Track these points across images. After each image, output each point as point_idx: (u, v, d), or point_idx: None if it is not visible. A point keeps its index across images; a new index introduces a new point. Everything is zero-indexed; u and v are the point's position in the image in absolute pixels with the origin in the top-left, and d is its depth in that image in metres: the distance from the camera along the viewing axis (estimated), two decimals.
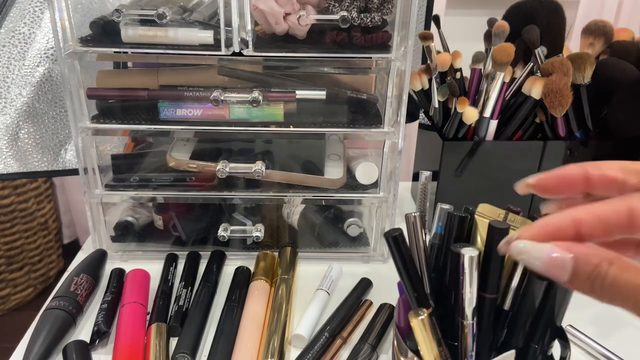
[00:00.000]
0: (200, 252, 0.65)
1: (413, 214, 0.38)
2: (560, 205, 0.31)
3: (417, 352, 0.37)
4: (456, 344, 0.38)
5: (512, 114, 0.67)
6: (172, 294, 0.58)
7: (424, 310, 0.36)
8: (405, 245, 0.36)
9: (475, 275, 0.35)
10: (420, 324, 0.36)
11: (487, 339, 0.38)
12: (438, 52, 0.69)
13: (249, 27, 0.54)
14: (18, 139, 0.68)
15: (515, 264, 0.37)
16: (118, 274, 0.60)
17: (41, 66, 0.66)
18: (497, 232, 0.35)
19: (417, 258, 0.39)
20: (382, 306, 0.56)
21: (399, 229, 0.36)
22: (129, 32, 0.55)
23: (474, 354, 0.37)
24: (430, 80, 0.70)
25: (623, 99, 0.65)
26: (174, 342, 0.52)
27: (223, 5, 0.53)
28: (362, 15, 0.55)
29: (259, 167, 0.61)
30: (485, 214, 0.39)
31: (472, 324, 0.36)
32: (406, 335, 0.40)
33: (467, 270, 0.34)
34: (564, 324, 0.39)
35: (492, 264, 0.36)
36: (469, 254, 0.34)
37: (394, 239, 0.35)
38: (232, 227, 0.64)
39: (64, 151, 0.71)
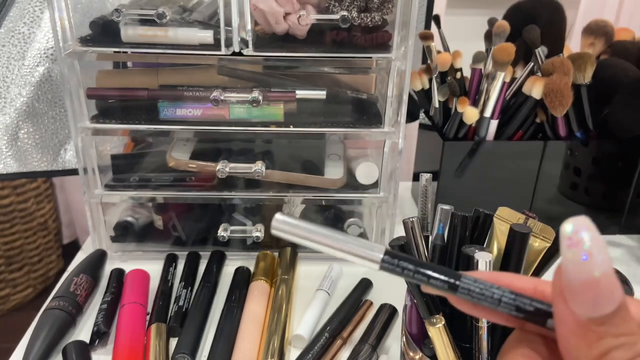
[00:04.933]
0: (200, 252, 0.65)
1: (410, 219, 0.38)
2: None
3: (433, 358, 0.37)
4: (465, 345, 0.38)
5: (513, 113, 0.67)
6: (171, 294, 0.58)
7: (439, 317, 0.36)
8: (412, 254, 0.36)
9: None
10: (438, 333, 0.36)
11: (502, 341, 0.38)
12: (438, 52, 0.69)
13: (249, 26, 0.54)
14: (18, 139, 0.67)
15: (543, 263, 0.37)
16: (118, 274, 0.60)
17: (41, 66, 0.66)
18: (518, 236, 0.35)
19: None
20: (383, 306, 0.55)
21: (404, 237, 0.35)
22: (128, 32, 0.55)
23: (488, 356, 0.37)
24: (430, 80, 0.70)
25: (623, 99, 0.64)
26: (173, 342, 0.51)
27: (223, 5, 0.53)
28: (362, 15, 0.54)
29: (258, 167, 0.61)
30: (505, 218, 0.38)
31: (487, 327, 0.36)
32: (420, 341, 0.40)
33: None
34: None
35: (511, 268, 0.35)
36: (484, 259, 0.34)
37: (399, 248, 0.35)
38: (232, 227, 0.64)
39: (64, 151, 0.71)
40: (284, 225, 0.22)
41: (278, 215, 0.22)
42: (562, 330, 0.20)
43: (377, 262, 0.22)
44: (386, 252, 0.22)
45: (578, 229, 0.19)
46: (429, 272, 0.23)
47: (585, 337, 0.19)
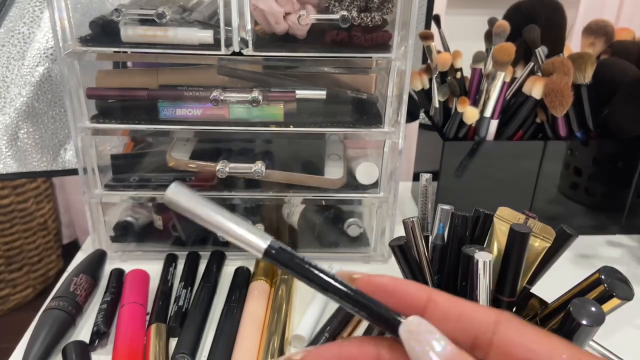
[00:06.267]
0: (200, 252, 0.65)
1: (411, 219, 0.38)
2: None
3: None
4: None
5: (513, 113, 0.67)
6: (171, 294, 0.58)
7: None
8: (412, 254, 0.36)
9: (489, 280, 0.35)
10: None
11: None
12: (438, 52, 0.69)
13: (249, 26, 0.54)
14: (17, 139, 0.67)
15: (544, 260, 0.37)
16: (117, 274, 0.60)
17: (40, 66, 0.66)
18: (518, 236, 0.35)
19: (419, 262, 0.39)
20: None
21: (404, 237, 0.35)
22: (128, 32, 0.55)
23: None
24: (430, 80, 0.70)
25: (623, 99, 0.64)
26: (173, 342, 0.51)
27: (223, 5, 0.53)
28: (363, 14, 0.54)
29: (258, 167, 0.61)
30: (505, 218, 0.38)
31: None
32: None
33: (481, 275, 0.34)
34: None
35: (511, 267, 0.35)
36: (483, 259, 0.34)
37: (399, 248, 0.35)
38: None
39: (64, 151, 0.71)
40: (179, 196, 0.22)
41: (173, 185, 0.22)
42: None
43: (261, 250, 0.22)
44: (272, 242, 0.22)
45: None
46: (310, 272, 0.22)
47: None
